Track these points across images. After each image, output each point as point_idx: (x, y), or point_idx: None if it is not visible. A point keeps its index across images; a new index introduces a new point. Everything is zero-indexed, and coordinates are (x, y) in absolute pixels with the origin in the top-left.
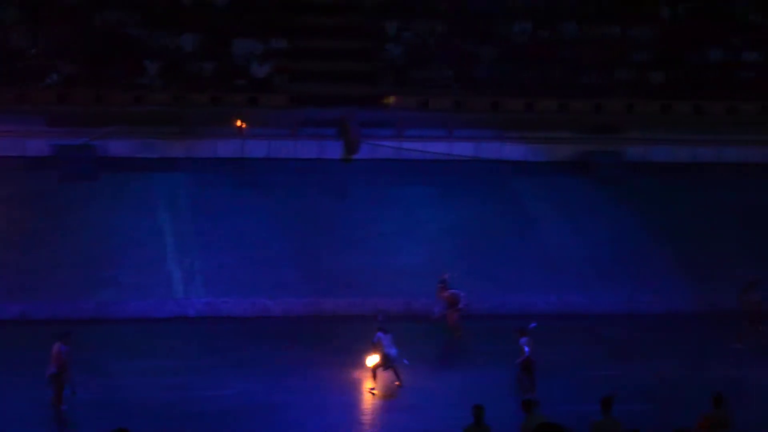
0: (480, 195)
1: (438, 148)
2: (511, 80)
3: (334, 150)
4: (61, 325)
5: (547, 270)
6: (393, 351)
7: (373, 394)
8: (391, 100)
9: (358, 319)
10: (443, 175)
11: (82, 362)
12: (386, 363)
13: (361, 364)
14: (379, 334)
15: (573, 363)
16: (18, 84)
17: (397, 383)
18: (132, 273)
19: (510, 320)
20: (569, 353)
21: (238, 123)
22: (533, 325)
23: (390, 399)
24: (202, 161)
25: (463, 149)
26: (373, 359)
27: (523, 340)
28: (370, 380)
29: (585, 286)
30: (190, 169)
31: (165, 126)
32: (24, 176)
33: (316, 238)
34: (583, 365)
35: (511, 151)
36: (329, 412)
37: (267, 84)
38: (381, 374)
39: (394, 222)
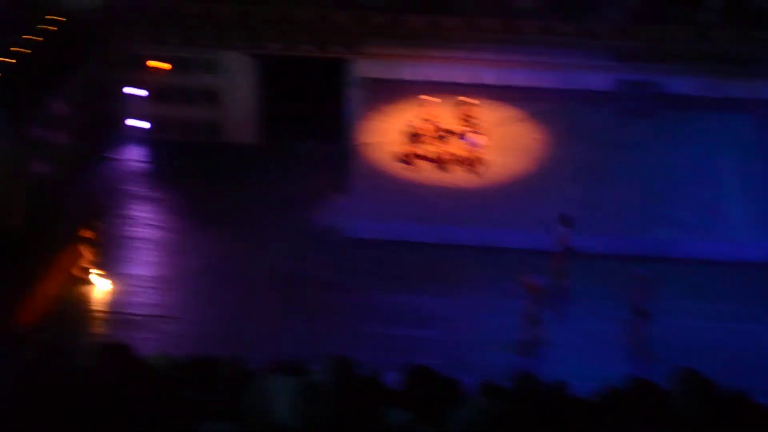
0: None
1: None
2: None
3: None
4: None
5: None
6: None
7: None
8: None
9: None
10: None
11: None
12: None
13: None
14: None
15: None
16: (582, 18)
17: None
18: (691, 212)
19: None
20: None
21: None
22: None
23: None
24: (761, 102)
25: None
26: None
27: None
28: None
29: None
30: (754, 110)
31: (728, 65)
32: (585, 110)
33: None
34: None
35: None
36: None
37: None
38: None
39: None
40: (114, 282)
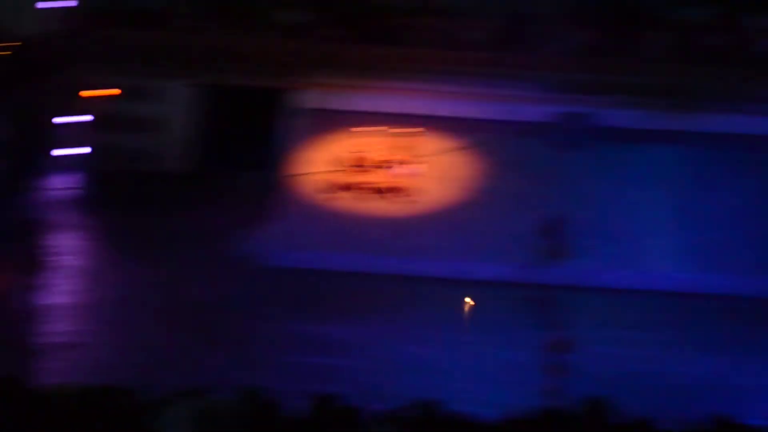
0: None
1: None
2: None
3: None
4: (535, 290)
5: None
6: None
7: None
8: None
9: None
10: None
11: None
12: None
13: None
14: None
15: None
16: (526, 50)
17: None
18: (613, 243)
19: None
20: None
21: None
22: None
23: None
24: (698, 136)
25: None
26: None
27: None
28: None
29: None
30: (685, 143)
31: (666, 98)
32: (522, 141)
33: None
34: None
35: None
36: None
37: None
38: None
39: None
40: (27, 310)
